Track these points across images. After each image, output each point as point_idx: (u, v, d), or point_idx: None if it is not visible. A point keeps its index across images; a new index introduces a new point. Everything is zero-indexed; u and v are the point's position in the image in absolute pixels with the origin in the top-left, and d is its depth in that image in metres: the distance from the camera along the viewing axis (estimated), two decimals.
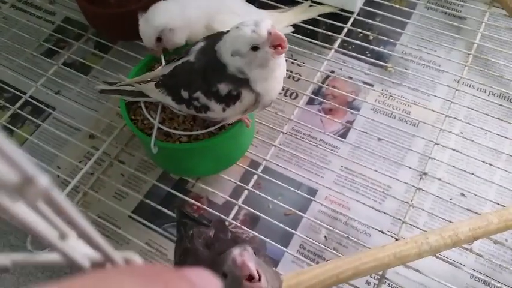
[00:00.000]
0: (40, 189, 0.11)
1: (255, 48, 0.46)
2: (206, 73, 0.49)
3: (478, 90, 0.73)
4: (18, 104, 0.74)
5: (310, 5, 0.77)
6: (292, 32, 0.74)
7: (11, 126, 0.72)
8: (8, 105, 0.75)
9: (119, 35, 0.78)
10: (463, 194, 0.62)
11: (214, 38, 0.50)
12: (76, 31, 0.83)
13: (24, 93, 0.76)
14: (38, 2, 0.93)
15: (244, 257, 0.34)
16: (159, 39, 0.59)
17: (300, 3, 0.77)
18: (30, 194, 0.11)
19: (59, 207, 0.13)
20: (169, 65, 0.54)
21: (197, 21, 0.61)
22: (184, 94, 0.51)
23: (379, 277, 0.53)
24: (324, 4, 0.78)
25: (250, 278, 0.34)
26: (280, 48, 0.46)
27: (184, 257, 0.45)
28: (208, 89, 0.50)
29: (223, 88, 0.49)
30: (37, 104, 0.76)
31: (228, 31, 0.49)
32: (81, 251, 0.16)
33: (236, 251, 0.35)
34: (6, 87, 0.79)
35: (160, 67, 0.59)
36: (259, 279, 0.34)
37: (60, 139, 0.72)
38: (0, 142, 0.10)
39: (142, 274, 0.16)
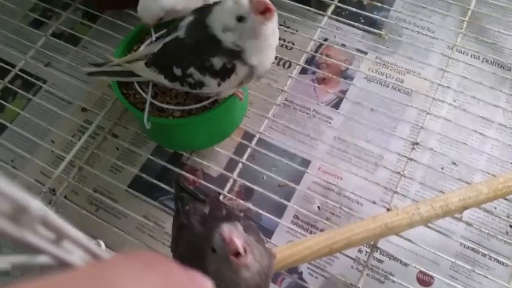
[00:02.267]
0: (34, 215, 0.12)
1: (240, 19, 0.45)
2: (199, 48, 0.48)
3: (471, 57, 0.73)
4: (8, 78, 0.73)
5: None
6: None
7: (2, 101, 0.72)
8: None
9: (107, 3, 0.76)
10: (454, 163, 0.63)
11: (203, 12, 0.49)
12: (63, 0, 0.81)
13: (13, 66, 0.75)
14: None
15: (232, 233, 0.35)
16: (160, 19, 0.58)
17: None
18: (25, 220, 0.12)
19: (53, 226, 0.13)
20: (157, 42, 0.53)
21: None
22: (177, 71, 0.50)
23: (371, 246, 0.55)
24: None
25: (237, 253, 0.35)
26: (268, 12, 0.44)
27: (181, 232, 0.46)
28: (201, 64, 0.49)
29: (217, 62, 0.48)
30: (27, 77, 0.75)
31: (214, 3, 0.48)
32: (77, 254, 0.17)
33: (225, 227, 0.36)
34: None
35: (144, 45, 0.58)
36: (245, 254, 0.35)
37: (53, 113, 0.71)
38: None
39: (142, 260, 0.16)
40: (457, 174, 0.59)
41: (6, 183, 0.11)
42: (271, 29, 0.47)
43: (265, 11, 0.44)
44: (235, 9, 0.44)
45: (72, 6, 0.80)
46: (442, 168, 0.61)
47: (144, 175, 0.62)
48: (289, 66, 0.73)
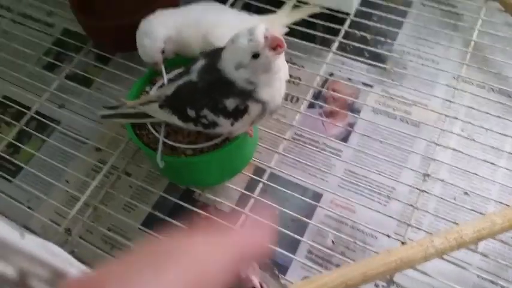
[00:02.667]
0: None
1: (255, 56, 0.47)
2: (212, 91, 0.50)
3: (477, 87, 0.74)
4: (24, 120, 0.75)
5: (296, 5, 0.77)
6: (290, 36, 0.74)
7: (18, 144, 0.73)
8: (13, 121, 0.76)
9: (117, 47, 0.79)
10: (466, 193, 0.63)
11: (213, 56, 0.50)
12: (76, 43, 0.84)
13: (28, 108, 0.77)
14: (36, 15, 0.93)
15: (249, 271, 0.36)
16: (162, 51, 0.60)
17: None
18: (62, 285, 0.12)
19: None
20: (170, 85, 0.54)
21: (192, 34, 0.62)
22: (191, 113, 0.52)
23: (387, 280, 0.54)
24: (313, 4, 0.77)
25: None
26: (279, 48, 0.47)
27: None
28: (215, 106, 0.50)
29: (230, 103, 0.50)
30: (42, 119, 0.76)
31: (221, 48, 0.50)
32: None
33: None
34: (11, 104, 0.80)
35: (155, 87, 0.61)
36: None
37: (67, 153, 0.72)
38: (38, 253, 0.11)
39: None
40: (470, 205, 0.59)
41: (46, 250, 0.12)
42: (281, 64, 0.49)
43: (276, 47, 0.46)
44: (251, 47, 0.46)
45: (85, 49, 0.83)
46: (455, 199, 0.61)
47: (157, 212, 0.63)
48: (297, 101, 0.75)
